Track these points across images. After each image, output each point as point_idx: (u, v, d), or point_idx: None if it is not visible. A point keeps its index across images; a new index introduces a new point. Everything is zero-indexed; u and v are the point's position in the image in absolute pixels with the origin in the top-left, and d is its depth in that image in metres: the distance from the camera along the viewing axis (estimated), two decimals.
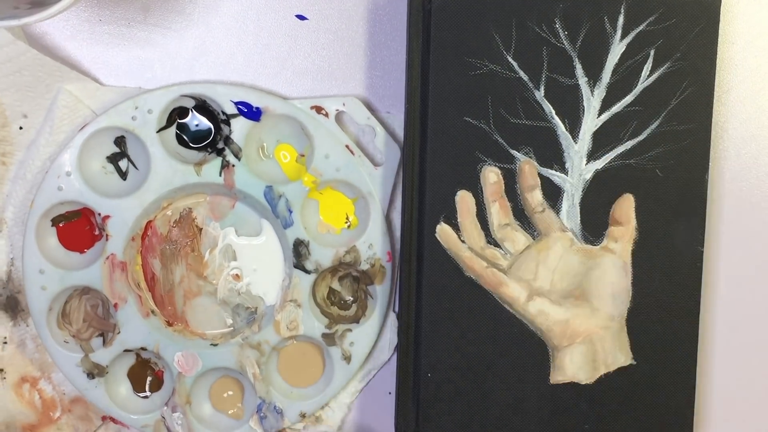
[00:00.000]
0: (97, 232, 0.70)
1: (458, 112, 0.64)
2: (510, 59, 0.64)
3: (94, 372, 0.70)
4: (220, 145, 0.69)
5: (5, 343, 0.71)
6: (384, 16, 0.69)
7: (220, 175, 0.69)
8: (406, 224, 0.67)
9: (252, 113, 0.68)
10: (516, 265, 0.66)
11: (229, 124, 0.68)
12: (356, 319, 0.71)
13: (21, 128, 0.69)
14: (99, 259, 0.69)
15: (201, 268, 0.71)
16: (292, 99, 0.69)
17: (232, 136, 0.68)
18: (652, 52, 0.64)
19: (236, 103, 0.68)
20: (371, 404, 0.72)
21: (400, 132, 0.70)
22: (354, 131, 0.70)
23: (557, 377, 0.67)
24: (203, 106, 0.68)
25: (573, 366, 0.66)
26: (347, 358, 0.70)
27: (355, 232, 0.70)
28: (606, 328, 0.66)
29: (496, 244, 0.66)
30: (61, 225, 0.69)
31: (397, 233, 0.71)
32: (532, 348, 0.66)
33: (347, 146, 0.69)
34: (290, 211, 0.69)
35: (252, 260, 0.71)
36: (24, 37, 0.68)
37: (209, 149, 0.69)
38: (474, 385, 0.66)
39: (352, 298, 0.71)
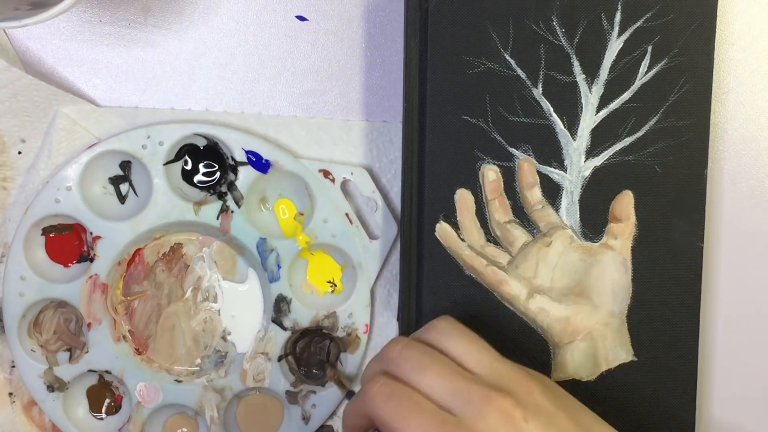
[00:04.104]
0: (84, 250, 0.70)
1: (456, 111, 0.64)
2: (507, 57, 0.64)
3: (55, 385, 0.70)
4: (223, 189, 0.69)
5: (13, 366, 0.71)
6: (384, 17, 0.69)
7: (218, 219, 0.69)
8: (405, 224, 0.67)
9: (260, 164, 0.68)
10: (516, 263, 0.66)
11: (236, 171, 0.68)
12: (323, 383, 0.71)
13: (20, 153, 0.69)
14: (82, 277, 0.69)
15: (180, 304, 0.71)
16: (302, 158, 0.69)
17: (236, 183, 0.69)
18: (649, 49, 0.64)
19: (247, 152, 0.68)
20: None
21: (398, 207, 0.70)
22: (357, 201, 0.71)
23: (558, 375, 0.67)
24: (214, 148, 0.69)
25: (574, 363, 0.66)
26: (306, 419, 0.71)
27: (338, 299, 0.71)
28: (606, 324, 0.66)
29: (496, 242, 0.66)
30: (51, 235, 0.70)
31: (375, 306, 0.71)
32: (533, 346, 0.66)
33: (347, 215, 0.69)
34: (279, 266, 0.69)
35: (232, 306, 0.71)
36: (19, 63, 0.68)
37: (212, 191, 0.69)
38: None
39: (322, 362, 0.71)
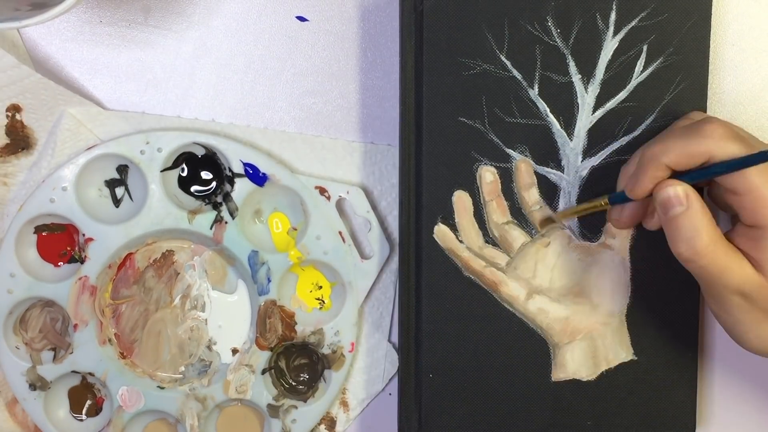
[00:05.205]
0: (76, 251, 0.70)
1: (453, 113, 0.64)
2: (503, 58, 0.64)
3: (37, 384, 0.70)
4: (219, 199, 0.69)
5: None
6: (384, 18, 0.69)
7: (211, 228, 0.69)
8: (404, 226, 0.67)
9: (257, 177, 0.68)
10: (515, 264, 0.66)
11: (232, 183, 0.68)
12: (304, 399, 0.71)
13: (23, 149, 0.70)
14: (71, 278, 0.69)
15: (168, 311, 0.71)
16: (299, 174, 0.69)
17: (232, 194, 0.68)
18: (644, 48, 0.64)
19: (245, 164, 0.68)
20: (373, 406, 0.72)
21: (396, 230, 0.70)
22: (351, 220, 0.70)
23: (558, 375, 0.66)
24: (212, 158, 0.69)
25: (574, 363, 0.66)
26: None
27: (326, 316, 0.71)
28: (606, 324, 0.66)
29: (494, 244, 0.66)
30: (43, 234, 0.70)
31: (366, 327, 0.71)
32: (532, 346, 0.66)
33: (340, 233, 0.69)
34: (269, 280, 0.69)
35: (220, 316, 0.71)
36: (30, 61, 0.69)
37: (207, 200, 0.69)
38: (475, 384, 0.66)
39: (306, 378, 0.71)
